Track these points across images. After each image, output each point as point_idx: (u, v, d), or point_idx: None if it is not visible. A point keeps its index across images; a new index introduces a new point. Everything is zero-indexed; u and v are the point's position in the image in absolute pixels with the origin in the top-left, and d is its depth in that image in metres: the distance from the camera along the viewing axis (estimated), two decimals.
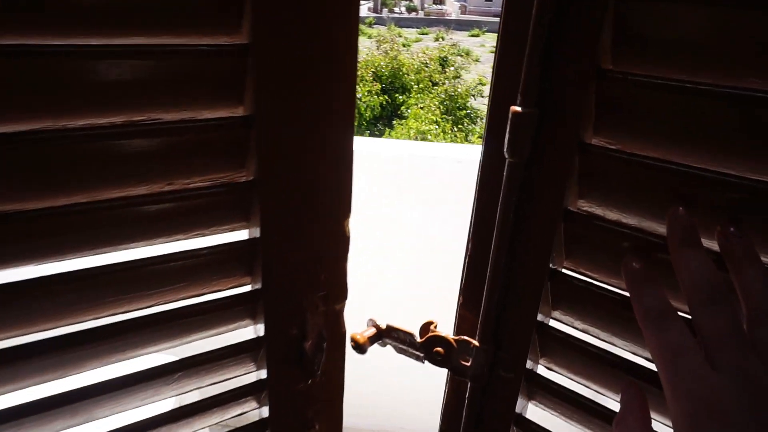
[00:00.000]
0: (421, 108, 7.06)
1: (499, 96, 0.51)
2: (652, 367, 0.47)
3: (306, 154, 0.50)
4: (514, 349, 0.57)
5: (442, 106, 8.15)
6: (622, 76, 0.43)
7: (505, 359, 0.58)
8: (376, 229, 1.91)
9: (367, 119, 7.81)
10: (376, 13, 51.30)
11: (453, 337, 0.61)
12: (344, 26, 0.47)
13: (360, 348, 0.63)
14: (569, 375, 0.56)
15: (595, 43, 0.43)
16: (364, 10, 54.22)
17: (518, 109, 0.48)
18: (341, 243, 0.56)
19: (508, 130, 0.49)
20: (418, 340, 0.62)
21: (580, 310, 0.53)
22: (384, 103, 8.13)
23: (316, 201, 0.52)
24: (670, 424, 0.35)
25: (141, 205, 0.45)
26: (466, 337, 0.60)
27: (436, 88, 9.03)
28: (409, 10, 54.18)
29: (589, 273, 0.51)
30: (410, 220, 1.90)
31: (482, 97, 14.12)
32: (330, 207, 0.54)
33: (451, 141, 6.62)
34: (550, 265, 0.52)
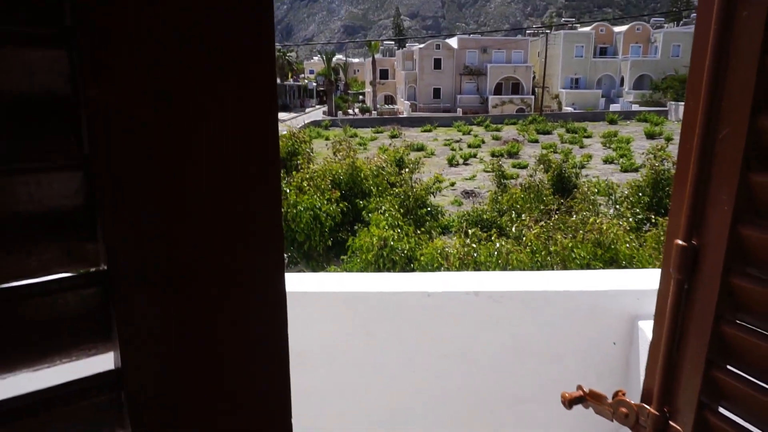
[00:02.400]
0: (381, 213, 7.14)
1: (672, 230, 0.75)
2: None
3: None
4: (680, 421, 0.78)
5: (401, 208, 8.25)
6: (760, 222, 0.65)
7: (674, 427, 0.79)
8: (345, 374, 1.77)
9: (329, 227, 7.80)
10: (331, 115, 53.54)
11: (636, 403, 0.85)
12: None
13: (568, 404, 0.90)
14: None
15: (735, 196, 0.64)
16: (319, 114, 56.55)
17: (680, 242, 0.72)
18: None
19: (673, 255, 0.73)
20: (609, 401, 0.87)
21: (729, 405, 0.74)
22: (345, 209, 8.19)
23: None
24: None
25: None
26: (644, 404, 0.83)
27: (395, 189, 9.21)
28: (363, 111, 56.89)
29: (745, 374, 0.71)
30: (382, 361, 1.78)
31: (439, 191, 14.56)
32: None
33: (415, 244, 6.65)
34: (708, 358, 0.73)
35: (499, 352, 1.76)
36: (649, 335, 1.79)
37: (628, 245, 5.96)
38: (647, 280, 1.85)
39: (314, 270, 8.31)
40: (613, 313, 1.77)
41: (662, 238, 7.09)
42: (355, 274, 2.03)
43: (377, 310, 1.77)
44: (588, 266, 5.86)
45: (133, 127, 0.36)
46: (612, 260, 5.96)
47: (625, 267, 5.95)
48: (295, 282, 1.80)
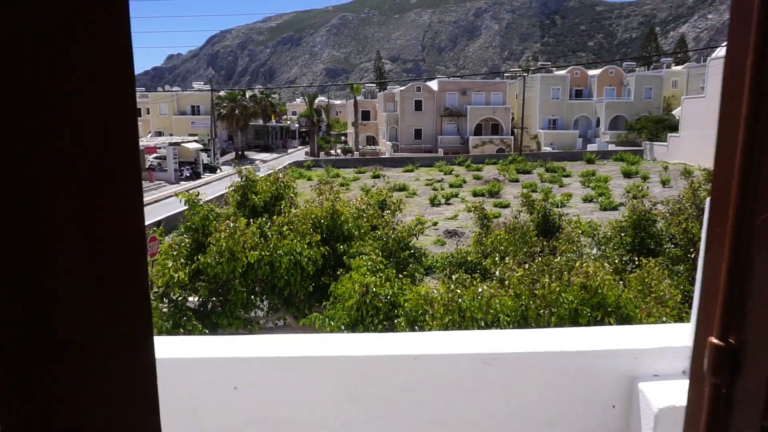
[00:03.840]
0: (362, 258, 7.00)
1: (703, 327, 0.61)
2: None
3: None
4: None
5: (384, 251, 8.12)
6: None
7: None
8: None
9: (310, 273, 7.63)
10: (314, 155, 53.90)
11: None
12: None
13: None
14: None
15: None
16: (301, 154, 56.95)
17: (716, 341, 0.59)
18: None
19: (707, 355, 0.59)
20: None
21: None
22: (326, 253, 8.04)
23: None
24: None
25: None
26: None
27: (377, 231, 9.10)
28: (345, 151, 57.46)
29: None
30: (371, 427, 1.66)
31: (422, 233, 14.54)
32: None
33: (398, 289, 6.50)
34: None
35: (490, 416, 1.67)
36: (651, 398, 1.69)
37: (613, 289, 5.88)
38: (644, 337, 1.76)
39: (295, 317, 8.05)
40: (610, 374, 1.69)
41: (646, 280, 7.04)
42: (340, 336, 1.93)
43: (364, 374, 1.68)
44: (576, 311, 5.76)
45: None
46: (599, 305, 5.86)
47: (611, 312, 5.86)
48: (278, 346, 1.68)
